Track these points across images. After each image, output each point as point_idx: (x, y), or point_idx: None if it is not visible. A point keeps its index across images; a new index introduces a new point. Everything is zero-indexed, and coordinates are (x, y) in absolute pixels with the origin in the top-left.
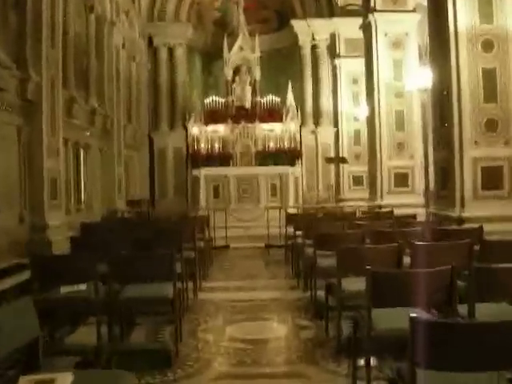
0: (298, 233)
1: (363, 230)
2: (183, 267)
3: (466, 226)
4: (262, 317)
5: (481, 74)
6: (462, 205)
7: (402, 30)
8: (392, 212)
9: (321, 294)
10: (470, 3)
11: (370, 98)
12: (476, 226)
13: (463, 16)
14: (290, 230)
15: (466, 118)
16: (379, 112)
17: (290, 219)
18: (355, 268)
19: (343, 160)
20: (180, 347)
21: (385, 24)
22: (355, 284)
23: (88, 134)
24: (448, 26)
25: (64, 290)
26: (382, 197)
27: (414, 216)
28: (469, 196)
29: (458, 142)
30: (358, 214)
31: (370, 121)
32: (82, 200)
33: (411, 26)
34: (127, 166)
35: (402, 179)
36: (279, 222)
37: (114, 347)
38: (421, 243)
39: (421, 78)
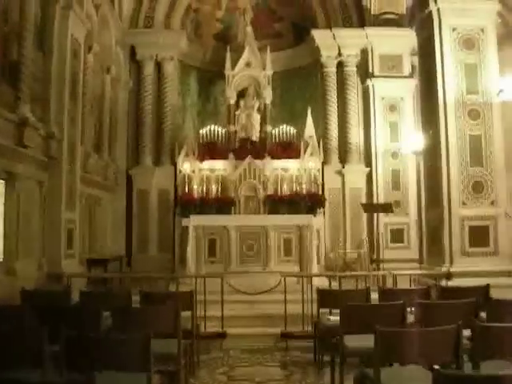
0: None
1: None
2: None
3: None
4: None
5: None
6: None
7: (475, 23)
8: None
9: None
10: None
11: (431, 120)
12: None
13: None
14: (323, 311)
15: None
16: (446, 139)
17: (325, 298)
18: None
19: (387, 208)
20: None
21: (452, 14)
22: None
23: None
24: None
25: None
26: (451, 261)
27: None
28: None
29: None
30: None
31: (431, 153)
32: None
33: (488, 18)
34: (91, 210)
35: (480, 235)
36: (302, 295)
37: None
38: None
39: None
